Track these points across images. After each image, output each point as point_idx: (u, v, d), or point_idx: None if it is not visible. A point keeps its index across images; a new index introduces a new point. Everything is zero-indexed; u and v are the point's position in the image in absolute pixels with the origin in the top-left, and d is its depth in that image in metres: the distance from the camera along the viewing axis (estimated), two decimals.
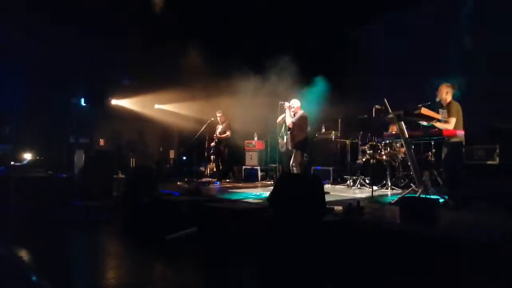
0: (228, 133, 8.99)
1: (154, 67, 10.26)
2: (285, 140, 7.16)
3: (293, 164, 6.82)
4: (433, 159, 7.01)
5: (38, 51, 9.12)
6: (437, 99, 5.32)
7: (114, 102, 11.07)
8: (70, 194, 6.70)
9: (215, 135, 9.10)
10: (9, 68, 9.14)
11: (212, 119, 9.16)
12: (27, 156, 8.83)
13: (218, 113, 9.17)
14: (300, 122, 6.89)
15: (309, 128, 7.42)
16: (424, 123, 5.41)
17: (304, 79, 8.63)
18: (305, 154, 7.39)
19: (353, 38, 9.99)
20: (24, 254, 3.79)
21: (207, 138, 9.93)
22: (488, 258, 2.50)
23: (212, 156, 9.49)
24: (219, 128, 9.12)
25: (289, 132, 6.99)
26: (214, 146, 9.12)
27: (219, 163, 9.14)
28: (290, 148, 7.03)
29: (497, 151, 5.86)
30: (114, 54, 9.81)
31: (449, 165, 5.07)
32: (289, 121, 6.93)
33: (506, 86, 6.73)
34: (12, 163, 7.96)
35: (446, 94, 5.20)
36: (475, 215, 4.21)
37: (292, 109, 7.00)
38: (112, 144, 10.82)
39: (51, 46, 9.08)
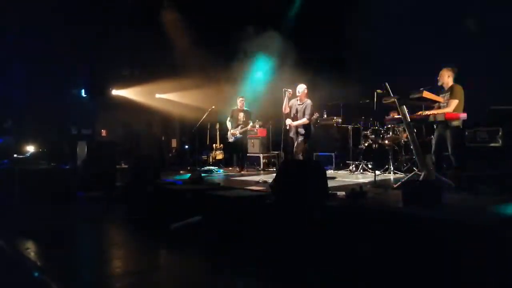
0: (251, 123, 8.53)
1: (154, 56, 10.21)
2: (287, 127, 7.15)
3: (296, 151, 6.84)
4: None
5: (37, 43, 9.08)
6: (439, 84, 5.32)
7: (115, 92, 11.04)
8: (74, 185, 6.74)
9: (240, 125, 8.44)
10: (9, 60, 9.11)
11: (213, 107, 9.11)
12: (30, 149, 8.86)
13: (240, 99, 8.60)
14: (305, 110, 6.89)
15: (315, 115, 7.44)
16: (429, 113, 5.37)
17: (306, 64, 8.57)
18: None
19: (353, 18, 9.87)
20: (29, 246, 3.83)
21: (209, 127, 9.91)
22: (490, 241, 2.50)
23: (217, 145, 9.41)
24: (241, 115, 8.54)
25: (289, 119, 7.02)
26: (238, 136, 8.47)
27: (240, 154, 8.64)
28: (293, 135, 7.04)
29: (500, 133, 5.83)
30: (113, 44, 9.75)
31: (454, 148, 5.06)
32: (289, 106, 6.98)
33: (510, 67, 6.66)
34: (15, 155, 7.99)
35: (448, 77, 5.24)
36: (478, 198, 4.21)
37: (298, 94, 6.98)
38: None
39: (50, 38, 9.04)
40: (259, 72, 10.23)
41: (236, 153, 8.90)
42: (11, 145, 8.77)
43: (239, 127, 8.51)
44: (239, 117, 8.59)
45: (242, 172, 8.26)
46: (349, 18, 9.86)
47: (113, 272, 3.11)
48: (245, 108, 8.68)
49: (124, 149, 10.17)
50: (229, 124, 8.70)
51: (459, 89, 5.12)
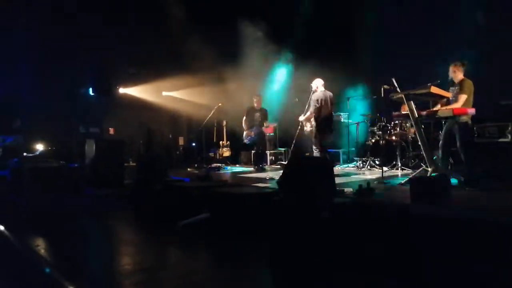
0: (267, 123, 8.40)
1: (161, 54, 10.24)
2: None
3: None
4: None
5: (45, 43, 9.15)
6: (450, 78, 5.30)
7: (122, 90, 11.09)
8: (82, 183, 6.79)
9: (255, 125, 8.28)
10: (17, 60, 9.19)
11: (220, 104, 9.10)
12: (39, 147, 8.95)
13: (257, 98, 8.42)
14: (312, 103, 6.81)
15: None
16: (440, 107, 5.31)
17: (314, 60, 8.53)
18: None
19: (360, 16, 9.81)
20: (39, 243, 3.87)
21: (215, 124, 9.93)
22: (501, 239, 2.48)
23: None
24: (257, 115, 8.35)
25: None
26: (256, 135, 8.28)
27: (259, 151, 8.47)
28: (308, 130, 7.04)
29: (510, 128, 5.78)
30: (120, 42, 9.80)
31: (462, 144, 5.03)
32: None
33: None
34: (24, 154, 8.08)
35: (456, 72, 5.20)
36: (487, 194, 4.18)
37: (314, 88, 6.89)
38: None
39: (57, 37, 9.10)
40: (267, 69, 10.21)
41: (254, 151, 8.72)
42: (20, 144, 8.87)
43: (254, 127, 8.37)
44: (255, 117, 8.39)
45: (264, 167, 8.18)
46: (357, 14, 9.82)
47: (122, 269, 3.14)
48: (261, 107, 8.52)
49: (133, 147, 10.24)
50: (244, 124, 8.51)
51: (468, 84, 5.08)
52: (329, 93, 6.81)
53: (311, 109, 6.74)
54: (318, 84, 6.84)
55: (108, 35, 9.52)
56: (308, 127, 7.09)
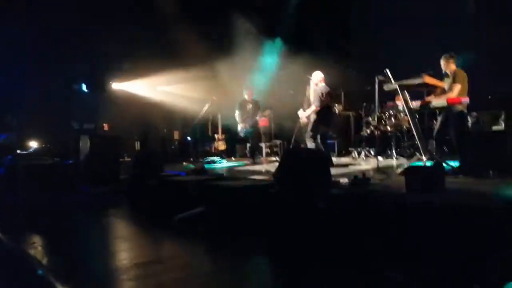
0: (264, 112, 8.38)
1: (155, 48, 10.16)
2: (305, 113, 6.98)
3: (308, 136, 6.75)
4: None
5: (37, 38, 9.06)
6: (443, 71, 5.34)
7: (115, 86, 11.01)
8: (78, 179, 6.77)
9: (248, 117, 8.25)
10: (9, 56, 9.09)
11: (214, 98, 9.04)
12: (33, 144, 8.89)
13: (248, 90, 8.37)
14: (316, 97, 6.71)
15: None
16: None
17: (306, 51, 8.49)
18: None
19: (355, 7, 9.79)
20: (35, 240, 3.86)
21: (210, 118, 9.89)
22: (496, 225, 2.50)
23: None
24: (250, 107, 8.32)
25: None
26: (250, 126, 8.27)
27: (256, 143, 8.47)
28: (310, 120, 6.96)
29: (503, 116, 5.81)
30: (113, 37, 9.70)
31: (457, 133, 5.06)
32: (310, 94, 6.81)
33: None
34: (18, 151, 8.02)
35: (448, 64, 5.24)
36: (482, 182, 4.20)
37: (316, 82, 6.78)
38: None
39: (50, 33, 9.01)
40: (260, 61, 10.17)
41: (249, 144, 8.66)
42: (13, 141, 8.80)
43: (248, 119, 8.30)
44: (247, 109, 8.37)
45: (260, 160, 8.18)
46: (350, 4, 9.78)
47: (119, 264, 3.14)
48: (253, 99, 8.47)
49: (128, 142, 10.19)
50: (237, 117, 8.47)
51: (461, 74, 5.13)
52: (329, 88, 6.76)
53: (316, 103, 6.61)
54: (319, 78, 6.77)
55: (101, 30, 9.43)
56: (304, 119, 7.03)
